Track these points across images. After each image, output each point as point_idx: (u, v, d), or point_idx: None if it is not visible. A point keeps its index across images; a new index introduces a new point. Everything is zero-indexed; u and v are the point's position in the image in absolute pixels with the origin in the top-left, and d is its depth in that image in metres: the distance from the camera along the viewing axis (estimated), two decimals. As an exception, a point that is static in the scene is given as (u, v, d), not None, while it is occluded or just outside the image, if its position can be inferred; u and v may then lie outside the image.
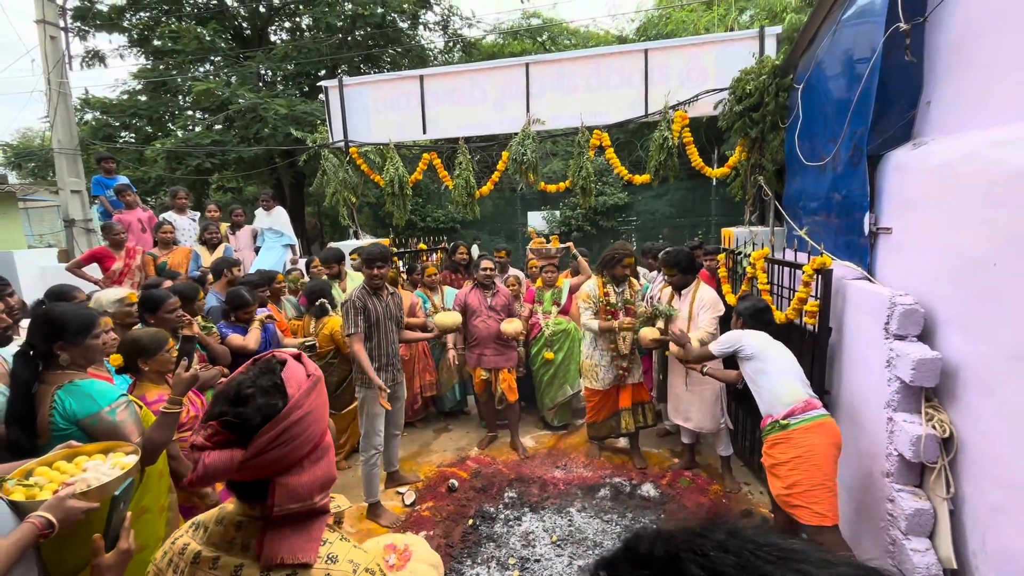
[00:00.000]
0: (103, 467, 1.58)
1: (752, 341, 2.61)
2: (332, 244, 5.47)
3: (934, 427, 2.10)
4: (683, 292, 3.51)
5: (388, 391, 3.08)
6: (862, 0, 2.84)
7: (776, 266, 3.35)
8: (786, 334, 3.10)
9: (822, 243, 2.97)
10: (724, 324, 3.32)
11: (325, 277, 4.38)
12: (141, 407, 1.99)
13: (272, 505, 0.83)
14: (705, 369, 3.04)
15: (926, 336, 2.21)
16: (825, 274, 2.73)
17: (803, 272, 2.85)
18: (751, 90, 4.10)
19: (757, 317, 2.77)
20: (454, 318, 3.69)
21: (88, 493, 1.38)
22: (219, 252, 4.90)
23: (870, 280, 2.63)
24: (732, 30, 6.34)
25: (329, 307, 3.86)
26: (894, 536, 2.23)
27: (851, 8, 2.97)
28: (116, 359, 2.22)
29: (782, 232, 4.17)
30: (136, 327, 2.66)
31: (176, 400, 1.85)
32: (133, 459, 1.59)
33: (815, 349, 2.82)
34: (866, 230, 2.69)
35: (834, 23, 3.17)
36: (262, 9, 12.49)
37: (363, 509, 3.33)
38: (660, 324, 3.59)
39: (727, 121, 4.38)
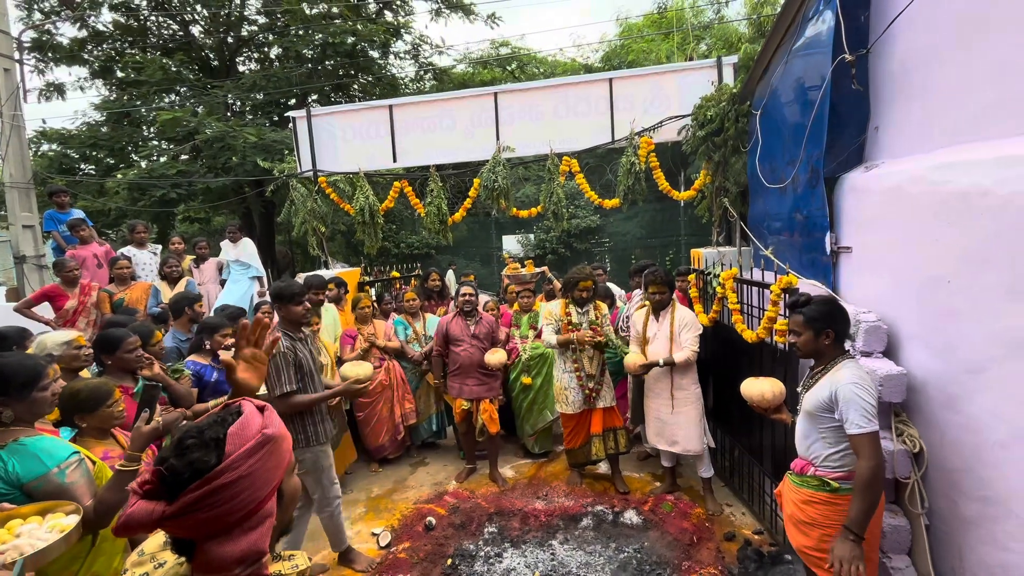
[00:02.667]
0: (39, 531, 1.45)
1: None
2: (302, 274, 5.35)
3: (904, 442, 2.13)
4: (661, 314, 3.53)
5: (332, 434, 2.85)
6: (810, 32, 2.99)
7: (745, 286, 3.41)
8: (758, 353, 3.14)
9: (787, 262, 3.05)
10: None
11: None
12: (95, 462, 1.84)
13: (193, 570, 0.78)
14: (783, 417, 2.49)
15: (891, 352, 2.27)
16: (792, 293, 2.78)
17: (771, 291, 2.91)
18: (712, 116, 4.25)
19: (844, 321, 2.05)
20: (364, 369, 2.96)
21: (25, 561, 1.25)
22: (181, 286, 4.72)
23: (836, 298, 2.70)
24: (692, 59, 6.62)
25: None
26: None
27: (800, 39, 3.12)
28: (53, 415, 2.04)
29: (749, 252, 4.28)
30: (83, 373, 2.50)
31: (134, 456, 1.70)
32: (74, 520, 1.46)
33: (787, 367, 2.85)
34: (828, 249, 2.77)
35: (786, 53, 3.33)
36: (230, 40, 12.47)
37: (335, 556, 3.16)
38: (635, 347, 3.59)
39: (691, 146, 4.52)
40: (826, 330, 1.96)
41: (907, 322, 2.20)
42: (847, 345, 2.29)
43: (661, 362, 3.38)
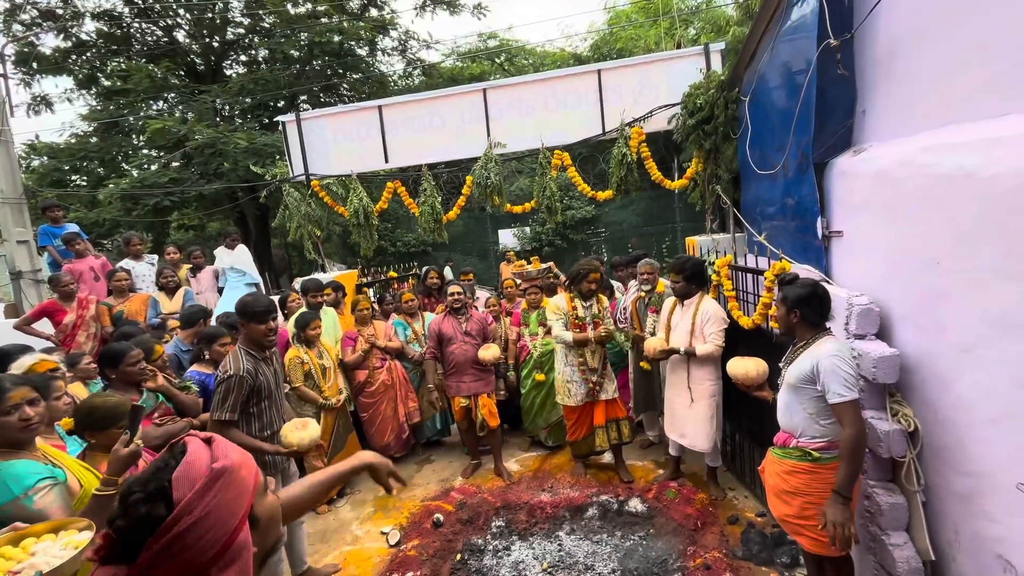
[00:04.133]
0: (53, 548, 1.48)
1: None
2: (299, 278, 5.37)
3: (899, 422, 2.17)
4: (686, 303, 3.41)
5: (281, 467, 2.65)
6: (795, 17, 2.99)
7: (740, 272, 3.44)
8: (755, 339, 3.18)
9: (781, 247, 3.07)
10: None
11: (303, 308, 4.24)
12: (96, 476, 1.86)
13: None
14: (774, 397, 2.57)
15: (883, 334, 2.30)
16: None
17: (765, 277, 2.93)
18: (702, 104, 4.25)
19: (814, 307, 2.15)
20: (308, 435, 2.53)
21: None
22: (179, 296, 4.73)
23: (828, 282, 2.72)
24: (679, 45, 6.60)
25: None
26: (873, 532, 2.27)
27: (786, 24, 3.12)
28: (67, 423, 2.09)
29: (743, 238, 4.30)
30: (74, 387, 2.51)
31: (110, 481, 1.69)
32: (87, 536, 1.49)
33: (783, 352, 2.88)
34: (819, 234, 2.79)
35: (772, 38, 3.33)
36: (215, 44, 12.36)
37: (346, 555, 3.21)
38: (661, 332, 3.53)
39: (681, 135, 4.52)
40: (794, 310, 2.16)
41: (899, 304, 2.23)
42: (839, 328, 2.33)
43: (681, 350, 3.30)
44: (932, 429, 2.07)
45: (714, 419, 3.38)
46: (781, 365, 2.34)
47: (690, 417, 3.42)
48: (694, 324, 3.32)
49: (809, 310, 2.15)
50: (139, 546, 0.71)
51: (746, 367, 2.71)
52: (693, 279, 3.33)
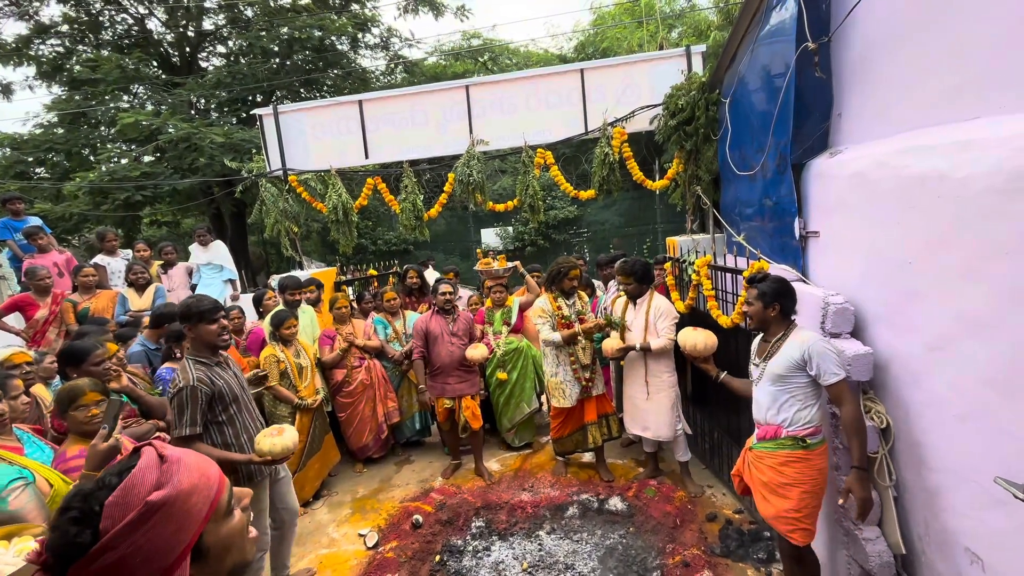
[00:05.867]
0: (6, 556, 1.40)
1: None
2: (276, 275, 5.24)
3: (872, 418, 2.21)
4: (638, 301, 3.59)
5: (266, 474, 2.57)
6: (774, 20, 3.03)
7: (719, 272, 3.48)
8: (733, 337, 3.21)
9: (759, 248, 3.11)
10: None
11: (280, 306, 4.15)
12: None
13: None
14: (721, 377, 2.78)
15: (857, 333, 2.34)
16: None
17: (743, 277, 2.96)
18: (683, 105, 4.29)
19: (791, 299, 2.27)
20: (282, 443, 2.41)
21: None
22: (149, 293, 4.57)
23: (805, 282, 2.77)
24: (662, 47, 6.65)
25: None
26: (847, 527, 2.31)
27: (765, 27, 3.16)
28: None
29: (722, 239, 4.35)
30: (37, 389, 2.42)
31: (89, 476, 1.65)
32: (42, 543, 1.42)
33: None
34: (797, 234, 2.83)
35: (752, 41, 3.37)
36: (190, 34, 12.02)
37: (321, 559, 3.14)
38: (615, 332, 3.64)
39: (663, 135, 4.55)
40: (774, 303, 2.23)
41: (873, 303, 2.27)
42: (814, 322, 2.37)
43: (637, 347, 3.46)
44: (904, 426, 2.12)
45: (675, 408, 3.53)
46: (755, 362, 2.38)
47: (651, 409, 3.54)
48: (647, 321, 3.50)
49: (787, 302, 2.25)
50: (68, 564, 0.65)
51: (695, 339, 2.88)
52: (644, 279, 3.53)
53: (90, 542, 0.65)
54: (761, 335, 2.41)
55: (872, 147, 2.27)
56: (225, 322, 2.44)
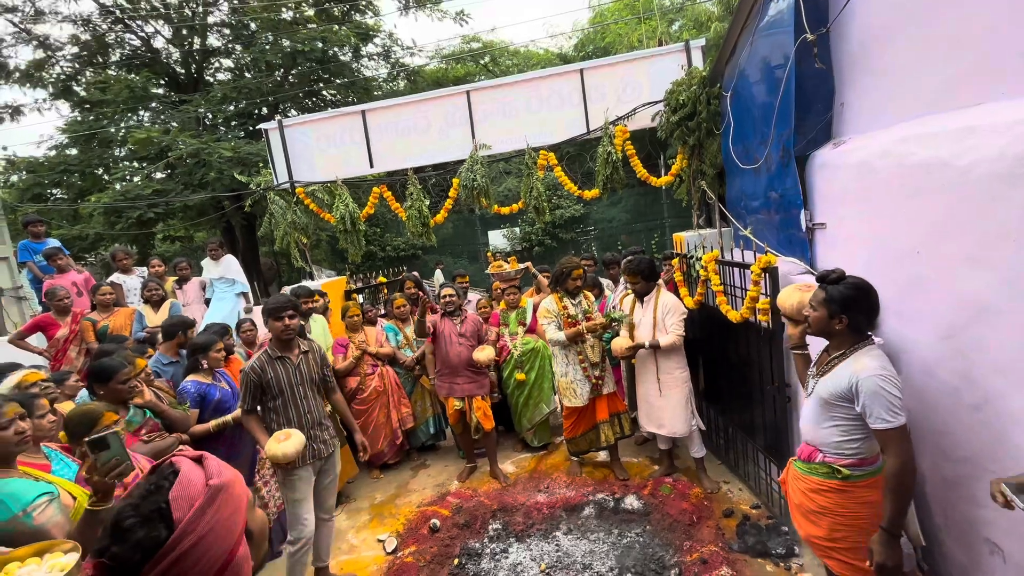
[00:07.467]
0: (39, 572, 1.45)
1: None
2: (288, 286, 5.32)
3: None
4: (645, 299, 3.58)
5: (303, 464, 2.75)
6: (773, 12, 3.02)
7: (727, 267, 3.46)
8: (743, 332, 3.20)
9: (766, 241, 3.10)
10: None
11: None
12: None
13: None
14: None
15: (868, 323, 2.32)
16: (772, 272, 2.83)
17: (751, 271, 2.95)
18: (684, 100, 4.27)
19: (866, 312, 1.85)
20: (287, 448, 2.53)
21: None
22: (164, 309, 4.67)
23: (813, 274, 2.75)
24: (662, 42, 6.63)
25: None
26: (865, 520, 2.29)
27: (764, 19, 3.15)
28: (62, 435, 2.08)
29: (729, 233, 4.33)
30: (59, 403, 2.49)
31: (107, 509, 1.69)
32: (74, 558, 1.47)
33: (771, 345, 2.91)
34: (803, 226, 2.82)
35: (751, 33, 3.35)
36: (195, 50, 12.23)
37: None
38: (624, 331, 3.64)
39: (665, 131, 4.54)
40: (840, 315, 1.82)
41: (881, 292, 2.24)
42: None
43: (647, 344, 3.44)
44: (919, 416, 2.10)
45: (688, 404, 3.51)
46: (810, 373, 2.06)
47: (666, 406, 3.53)
48: (655, 318, 3.48)
49: (860, 316, 1.83)
50: (136, 572, 0.69)
51: (802, 299, 2.12)
52: (650, 277, 3.52)
53: (166, 535, 0.71)
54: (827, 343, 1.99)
55: (875, 136, 2.25)
56: (288, 321, 2.77)
